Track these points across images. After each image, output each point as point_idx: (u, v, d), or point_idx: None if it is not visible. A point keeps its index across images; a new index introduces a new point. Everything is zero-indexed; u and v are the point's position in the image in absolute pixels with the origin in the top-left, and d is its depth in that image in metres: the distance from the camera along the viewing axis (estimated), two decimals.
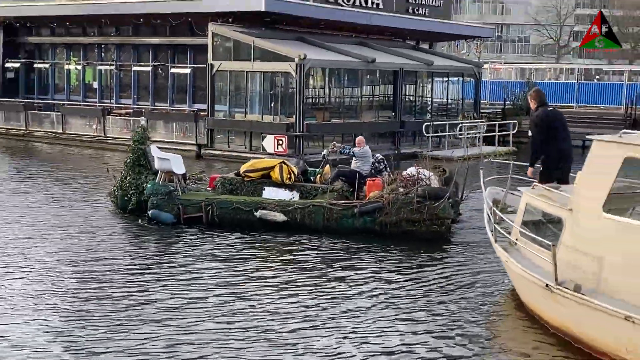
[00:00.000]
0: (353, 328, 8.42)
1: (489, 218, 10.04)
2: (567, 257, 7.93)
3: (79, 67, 31.98)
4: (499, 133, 28.44)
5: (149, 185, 14.02)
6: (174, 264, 11.07)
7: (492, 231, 9.87)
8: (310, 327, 8.45)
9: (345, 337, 8.13)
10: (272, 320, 8.64)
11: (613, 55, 70.73)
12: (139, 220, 13.94)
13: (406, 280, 10.38)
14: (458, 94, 31.02)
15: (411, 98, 28.76)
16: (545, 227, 9.08)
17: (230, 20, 25.40)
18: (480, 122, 28.92)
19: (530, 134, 10.66)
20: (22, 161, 23.77)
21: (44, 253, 11.51)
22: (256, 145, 23.85)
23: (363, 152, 14.82)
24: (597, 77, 52.71)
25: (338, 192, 13.90)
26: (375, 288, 9.98)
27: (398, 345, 7.95)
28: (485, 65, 44.58)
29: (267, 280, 10.39)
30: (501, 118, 31.88)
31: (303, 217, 13.21)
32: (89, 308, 8.92)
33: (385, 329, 8.40)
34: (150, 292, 9.64)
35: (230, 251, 11.97)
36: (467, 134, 27.34)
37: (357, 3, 28.99)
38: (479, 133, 28.18)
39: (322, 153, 16.03)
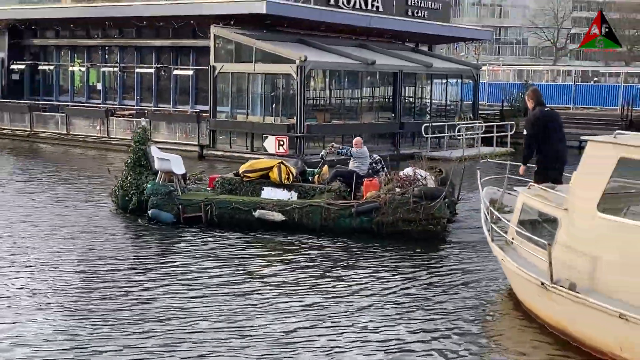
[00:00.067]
0: (352, 327, 8.49)
1: (486, 217, 10.12)
2: (563, 256, 8.01)
3: (83, 68, 32.11)
4: (497, 134, 28.56)
5: (149, 186, 14.13)
6: (175, 263, 11.16)
7: (489, 230, 9.94)
8: (310, 326, 8.52)
9: (344, 336, 8.20)
10: (272, 319, 8.71)
11: (610, 57, 70.86)
12: (139, 220, 14.05)
13: (404, 280, 10.46)
14: (457, 96, 31.13)
15: (410, 99, 28.88)
16: (541, 226, 9.14)
17: (232, 22, 25.50)
18: (478, 123, 29.03)
19: (525, 132, 10.75)
20: (26, 162, 23.87)
21: (47, 252, 11.61)
22: (257, 146, 23.94)
23: (360, 153, 14.91)
24: (595, 78, 52.81)
25: (336, 192, 13.99)
26: (374, 287, 10.07)
27: (396, 344, 8.02)
28: (484, 67, 44.75)
29: (267, 279, 10.48)
30: (499, 119, 31.96)
31: (301, 217, 13.31)
32: (92, 307, 9.00)
33: (383, 328, 8.47)
34: (152, 291, 9.73)
35: (231, 251, 12.06)
36: (465, 135, 27.46)
37: (357, 6, 29.13)
38: (477, 134, 28.32)
39: (320, 153, 16.16)
